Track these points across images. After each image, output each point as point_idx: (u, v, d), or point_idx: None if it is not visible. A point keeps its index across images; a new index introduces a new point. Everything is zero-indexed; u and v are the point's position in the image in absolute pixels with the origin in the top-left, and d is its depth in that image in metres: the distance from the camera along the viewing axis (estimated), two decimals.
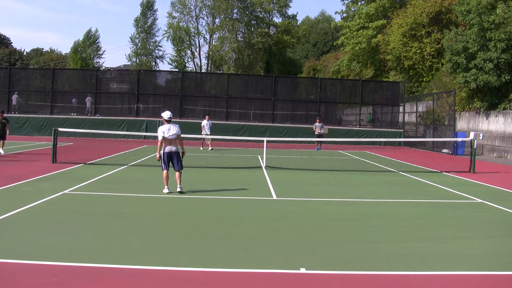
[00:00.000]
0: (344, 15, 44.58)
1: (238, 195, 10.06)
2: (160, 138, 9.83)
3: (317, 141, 24.01)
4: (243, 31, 56.77)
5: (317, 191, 11.08)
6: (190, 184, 10.21)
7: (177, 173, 9.86)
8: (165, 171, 9.87)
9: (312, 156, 20.39)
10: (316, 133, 24.20)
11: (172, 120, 10.02)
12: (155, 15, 61.65)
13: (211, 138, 22.15)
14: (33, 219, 7.41)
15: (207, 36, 60.96)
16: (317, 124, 24.26)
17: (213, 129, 26.88)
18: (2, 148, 16.73)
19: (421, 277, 5.26)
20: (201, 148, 21.98)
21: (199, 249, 5.99)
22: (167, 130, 9.77)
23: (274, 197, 10.01)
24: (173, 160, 9.83)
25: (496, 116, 23.53)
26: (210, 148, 22.20)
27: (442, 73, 30.19)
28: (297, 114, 30.85)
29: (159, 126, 10.16)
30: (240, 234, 6.93)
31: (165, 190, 9.84)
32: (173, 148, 9.82)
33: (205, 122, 22.01)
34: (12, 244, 6.04)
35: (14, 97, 30.08)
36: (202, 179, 12.28)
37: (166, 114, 9.96)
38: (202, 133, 21.73)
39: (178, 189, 9.80)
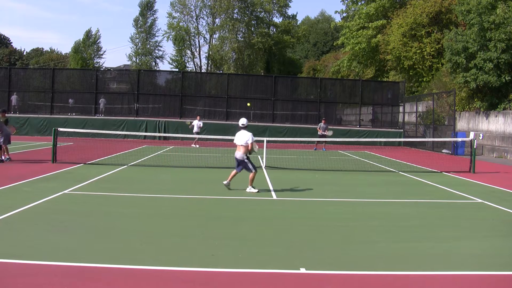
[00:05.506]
0: (344, 15, 44.63)
1: (238, 195, 10.06)
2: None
3: (317, 141, 23.80)
4: (243, 31, 56.79)
5: (317, 191, 11.07)
6: (190, 184, 10.20)
7: (250, 175, 10.32)
8: (234, 170, 10.47)
9: (312, 156, 20.38)
10: (319, 133, 23.83)
11: (247, 126, 10.52)
12: (155, 15, 61.77)
13: (198, 138, 23.28)
14: (33, 219, 7.40)
15: (207, 36, 61.04)
16: (321, 125, 23.87)
17: (213, 129, 27.04)
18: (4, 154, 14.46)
19: (421, 277, 5.26)
20: (191, 146, 23.27)
21: (199, 249, 5.99)
22: (236, 137, 10.41)
23: (274, 197, 10.01)
24: (240, 164, 10.32)
25: (496, 116, 23.52)
26: (194, 145, 23.32)
27: (442, 73, 30.17)
28: (297, 114, 30.81)
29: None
30: (240, 234, 6.93)
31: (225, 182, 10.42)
32: (238, 154, 10.30)
33: (195, 122, 23.47)
34: (12, 244, 6.04)
35: (14, 97, 30.03)
36: (202, 179, 12.28)
37: (240, 121, 10.63)
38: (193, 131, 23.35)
39: (247, 189, 10.29)
